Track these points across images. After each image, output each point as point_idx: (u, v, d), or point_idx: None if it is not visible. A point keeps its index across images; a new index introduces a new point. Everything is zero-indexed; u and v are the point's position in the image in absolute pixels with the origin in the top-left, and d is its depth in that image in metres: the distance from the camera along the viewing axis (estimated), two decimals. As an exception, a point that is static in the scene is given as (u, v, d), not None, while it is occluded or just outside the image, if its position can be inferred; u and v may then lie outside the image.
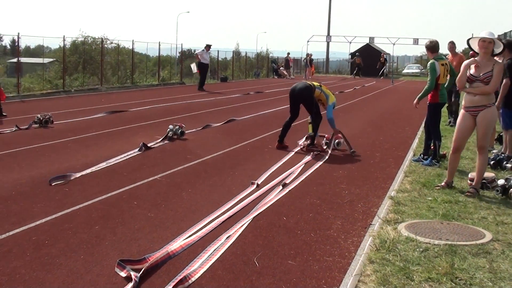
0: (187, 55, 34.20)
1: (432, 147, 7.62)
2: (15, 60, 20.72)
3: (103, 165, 7.01)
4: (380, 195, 5.93)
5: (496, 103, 7.35)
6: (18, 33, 17.96)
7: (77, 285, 3.48)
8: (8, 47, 41.54)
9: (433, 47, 7.53)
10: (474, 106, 5.88)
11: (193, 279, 3.59)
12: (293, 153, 8.32)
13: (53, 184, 5.98)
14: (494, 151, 8.12)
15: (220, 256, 4.02)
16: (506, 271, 3.75)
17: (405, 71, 54.81)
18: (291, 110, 8.77)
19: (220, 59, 33.84)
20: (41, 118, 10.52)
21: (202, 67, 22.55)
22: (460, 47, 43.72)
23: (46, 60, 23.83)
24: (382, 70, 41.99)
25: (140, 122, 11.40)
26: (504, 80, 7.37)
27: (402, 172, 7.02)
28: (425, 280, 3.57)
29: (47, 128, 10.32)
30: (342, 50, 64.84)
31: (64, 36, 20.58)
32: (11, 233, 4.40)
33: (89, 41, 23.91)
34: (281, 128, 8.82)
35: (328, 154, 8.15)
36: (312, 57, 38.00)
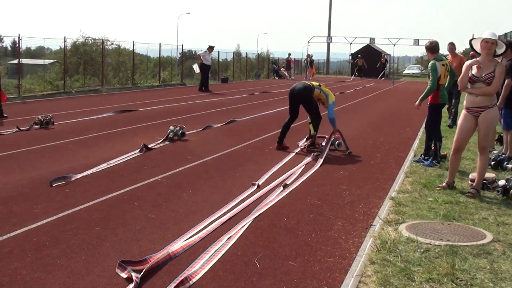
0: (187, 56, 34.21)
1: (432, 148, 7.62)
2: (16, 61, 20.73)
3: (103, 166, 7.01)
4: (381, 196, 5.93)
5: (498, 104, 7.35)
6: (19, 35, 18.01)
7: (78, 286, 3.48)
8: (9, 48, 41.60)
9: (433, 47, 7.53)
10: (475, 107, 5.88)
11: (194, 280, 3.59)
12: (293, 154, 8.32)
13: (54, 185, 5.98)
14: (495, 151, 8.11)
15: (221, 257, 4.02)
16: (507, 271, 3.75)
17: (405, 71, 54.84)
18: (291, 111, 8.77)
19: (220, 60, 33.86)
20: (42, 119, 10.53)
21: (204, 68, 22.57)
22: (460, 48, 43.72)
23: (47, 61, 23.86)
24: (383, 71, 42.01)
25: (141, 123, 11.41)
26: (506, 81, 7.37)
27: (402, 173, 7.02)
28: (426, 280, 3.57)
29: (48, 129, 10.33)
30: (342, 51, 64.88)
31: (64, 37, 20.60)
32: (12, 234, 4.41)
33: (90, 42, 23.94)
34: (280, 129, 8.82)
35: (325, 153, 8.14)
36: (313, 58, 37.99)
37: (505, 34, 20.23)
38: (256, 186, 6.17)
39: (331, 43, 52.71)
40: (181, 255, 4.04)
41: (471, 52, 9.34)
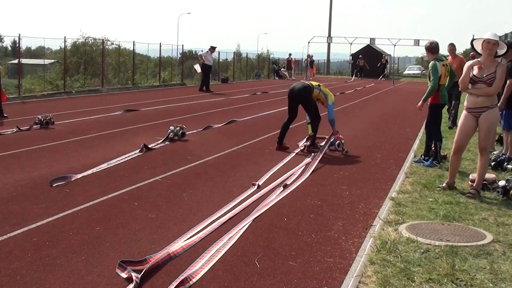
0: (188, 56, 34.21)
1: (433, 148, 7.63)
2: (16, 61, 20.73)
3: (104, 166, 7.01)
4: (381, 196, 5.93)
5: (499, 104, 7.35)
6: (19, 34, 17.98)
7: (78, 286, 3.48)
8: (9, 48, 41.64)
9: (433, 48, 7.53)
10: (476, 107, 5.88)
11: (194, 280, 3.59)
12: (293, 154, 8.32)
13: (54, 185, 5.98)
14: (495, 152, 8.12)
15: (221, 257, 4.02)
16: (507, 272, 3.75)
17: (406, 72, 54.85)
18: (290, 111, 8.77)
19: (221, 60, 33.87)
20: (42, 119, 10.53)
21: (205, 68, 22.58)
22: (460, 48, 43.73)
23: (47, 61, 23.86)
24: (384, 71, 42.00)
25: (141, 123, 11.41)
26: (508, 81, 7.37)
27: (403, 173, 7.02)
28: (426, 281, 3.57)
29: (48, 129, 10.33)
30: (343, 51, 64.89)
31: (65, 37, 20.61)
32: (12, 234, 4.41)
33: (90, 42, 23.95)
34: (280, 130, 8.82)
35: (323, 153, 8.15)
36: (313, 58, 37.99)
37: (506, 35, 20.23)
38: (256, 187, 6.17)
39: (331, 43, 52.73)
40: (181, 255, 4.04)
41: (472, 53, 9.34)
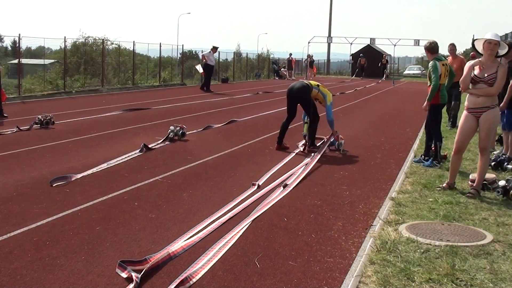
0: (188, 56, 34.20)
1: (433, 148, 7.63)
2: (16, 61, 20.73)
3: (104, 166, 7.01)
4: (381, 196, 5.94)
5: (501, 105, 7.35)
6: (19, 34, 17.98)
7: (78, 286, 3.48)
8: (9, 48, 41.62)
9: (432, 48, 7.53)
10: (477, 108, 5.88)
11: (194, 280, 3.59)
12: (293, 154, 8.32)
13: (54, 185, 5.98)
14: (495, 152, 8.12)
15: (221, 257, 4.02)
16: (507, 272, 3.75)
17: (406, 72, 54.84)
18: (289, 111, 8.76)
19: (221, 60, 33.86)
20: (42, 119, 10.53)
21: (207, 68, 22.58)
22: (461, 49, 43.72)
23: (47, 61, 23.87)
24: (384, 72, 41.98)
25: (141, 123, 11.41)
26: (511, 82, 7.36)
27: (403, 173, 7.02)
28: (426, 281, 3.57)
29: (48, 129, 10.33)
30: (343, 51, 64.89)
31: (65, 37, 20.61)
32: (12, 234, 4.41)
33: (90, 42, 23.95)
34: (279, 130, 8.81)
35: (321, 153, 8.16)
36: (313, 58, 37.98)
37: (506, 35, 20.23)
38: (256, 186, 6.17)
39: (331, 43, 52.70)
40: (181, 255, 4.04)
41: (472, 53, 9.34)
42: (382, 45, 50.01)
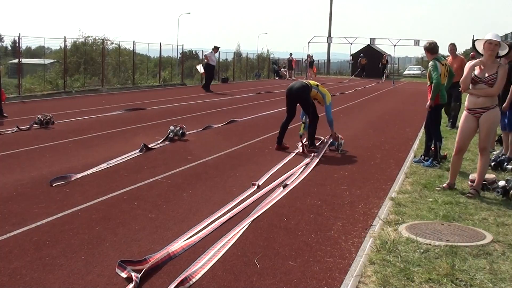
0: (188, 56, 34.19)
1: (432, 148, 7.63)
2: (16, 61, 20.73)
3: (103, 166, 7.01)
4: (381, 196, 5.94)
5: (504, 105, 7.34)
6: (19, 34, 17.97)
7: (78, 286, 3.48)
8: (9, 48, 41.62)
9: (432, 48, 7.52)
10: (477, 108, 5.88)
11: (194, 280, 3.59)
12: (293, 154, 8.32)
13: (53, 185, 5.98)
14: (495, 152, 8.12)
15: (221, 257, 4.02)
16: (506, 272, 3.75)
17: (406, 72, 54.85)
18: (288, 110, 8.76)
19: (221, 60, 33.86)
20: (42, 119, 10.53)
21: (209, 68, 22.58)
22: (460, 49, 43.70)
23: (47, 61, 23.86)
24: (384, 72, 41.97)
25: (141, 123, 11.41)
26: None
27: (402, 173, 7.02)
28: (426, 281, 3.57)
29: (48, 129, 10.33)
30: (343, 51, 64.88)
31: (65, 37, 20.61)
32: (12, 233, 4.41)
33: (90, 42, 23.95)
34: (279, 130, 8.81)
35: (322, 153, 8.16)
36: (313, 58, 37.96)
37: (506, 35, 20.24)
38: (256, 186, 6.17)
39: (331, 44, 52.71)
40: (181, 255, 4.04)
41: (472, 53, 9.34)
42: (382, 45, 50.05)
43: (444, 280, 3.57)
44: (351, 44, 49.74)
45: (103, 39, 23.53)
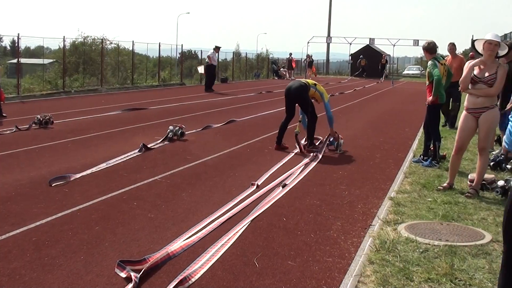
0: (187, 56, 34.18)
1: (431, 148, 7.63)
2: (15, 61, 20.73)
3: (103, 166, 7.01)
4: (380, 196, 5.94)
5: (508, 106, 7.33)
6: (18, 34, 17.97)
7: (77, 286, 3.48)
8: (8, 48, 41.54)
9: (431, 48, 7.52)
10: (476, 108, 5.88)
11: (193, 279, 3.59)
12: (293, 154, 8.32)
13: (53, 185, 5.98)
14: (494, 152, 8.12)
15: (220, 256, 4.02)
16: (505, 272, 3.75)
17: (405, 72, 54.85)
18: (287, 110, 8.77)
19: (220, 60, 33.85)
20: (41, 119, 10.52)
21: (210, 68, 22.57)
22: (460, 49, 43.70)
23: (46, 61, 23.84)
24: (383, 72, 41.98)
25: (140, 123, 11.41)
26: None
27: (402, 173, 7.02)
28: (425, 280, 3.57)
29: (47, 129, 10.33)
30: (342, 51, 64.89)
31: (64, 36, 20.60)
32: (11, 233, 4.41)
33: (89, 42, 23.94)
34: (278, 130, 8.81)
35: (322, 153, 8.17)
36: (312, 58, 37.94)
37: (505, 35, 20.24)
38: (255, 186, 6.17)
39: (330, 43, 52.70)
40: (180, 254, 4.04)
41: (471, 53, 9.35)
42: (381, 45, 50.05)
43: (443, 280, 3.57)
44: (350, 44, 49.74)
45: (102, 39, 23.55)
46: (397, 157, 8.40)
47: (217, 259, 3.97)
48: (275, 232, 4.64)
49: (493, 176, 6.23)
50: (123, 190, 5.90)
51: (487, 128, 5.86)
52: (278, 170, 7.12)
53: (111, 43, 24.49)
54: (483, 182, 5.99)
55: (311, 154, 8.23)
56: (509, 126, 2.59)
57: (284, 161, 7.76)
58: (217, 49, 23.10)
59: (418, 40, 46.08)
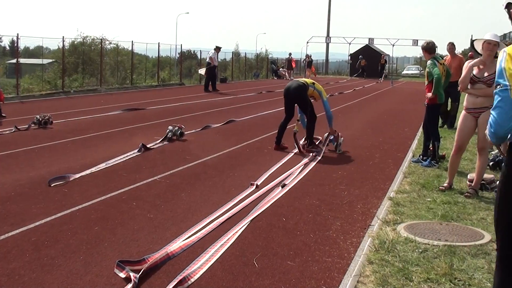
0: (186, 56, 34.16)
1: (431, 148, 7.63)
2: (14, 61, 20.72)
3: (102, 166, 7.00)
4: (380, 196, 5.94)
5: None
6: (17, 34, 17.95)
7: (77, 286, 3.48)
8: (7, 48, 41.50)
9: (430, 48, 7.53)
10: (476, 108, 5.89)
11: (192, 279, 3.59)
12: (292, 154, 8.32)
13: (52, 185, 5.98)
14: (493, 152, 8.12)
15: (219, 256, 4.02)
16: (505, 272, 3.75)
17: (404, 72, 54.87)
18: (286, 110, 8.77)
19: (219, 60, 33.83)
20: (40, 119, 10.52)
21: (211, 68, 22.55)
22: (459, 49, 43.71)
23: (45, 61, 23.83)
24: (382, 72, 41.97)
25: (139, 123, 11.41)
26: None
27: (401, 173, 7.02)
28: (424, 280, 3.57)
29: (46, 129, 10.33)
30: (341, 51, 64.89)
31: (63, 36, 20.59)
32: (10, 234, 4.40)
33: (88, 42, 23.92)
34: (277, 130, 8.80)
35: (322, 154, 8.17)
36: (312, 58, 37.93)
37: (504, 35, 20.27)
38: (254, 186, 6.17)
39: (330, 43, 52.72)
40: (180, 255, 4.04)
41: (470, 53, 9.35)
42: (380, 45, 50.07)
43: (443, 280, 3.57)
44: (350, 44, 49.76)
45: (101, 39, 23.52)
46: (397, 157, 8.40)
47: (217, 259, 3.97)
48: (274, 232, 4.64)
49: (492, 176, 6.24)
50: (122, 190, 5.90)
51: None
52: (277, 170, 7.12)
53: (110, 43, 24.48)
54: (483, 182, 5.99)
55: (311, 154, 8.24)
56: (489, 119, 2.61)
57: (283, 161, 7.76)
58: (218, 49, 23.09)
59: (417, 40, 46.11)
